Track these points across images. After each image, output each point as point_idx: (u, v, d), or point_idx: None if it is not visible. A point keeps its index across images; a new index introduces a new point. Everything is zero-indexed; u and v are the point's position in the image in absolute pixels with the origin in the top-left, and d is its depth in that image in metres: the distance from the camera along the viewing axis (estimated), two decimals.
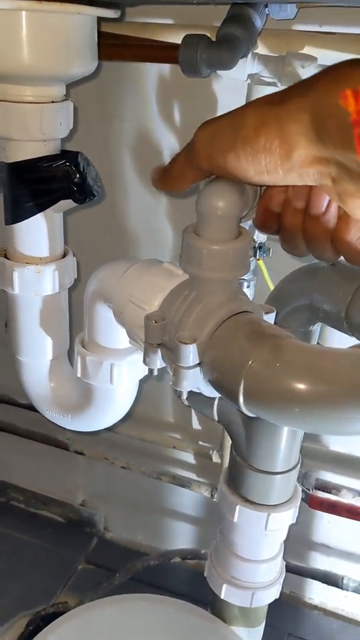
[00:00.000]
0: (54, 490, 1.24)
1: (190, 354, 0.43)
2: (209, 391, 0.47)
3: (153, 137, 0.86)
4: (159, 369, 0.49)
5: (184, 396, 0.46)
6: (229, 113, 0.39)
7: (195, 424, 1.04)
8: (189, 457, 1.06)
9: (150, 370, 0.48)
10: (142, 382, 0.62)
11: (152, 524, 1.18)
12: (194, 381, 0.45)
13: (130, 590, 0.88)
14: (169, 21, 0.77)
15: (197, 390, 0.47)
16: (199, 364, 0.44)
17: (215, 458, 1.00)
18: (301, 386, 0.40)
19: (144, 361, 0.48)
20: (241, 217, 0.43)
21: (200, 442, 1.04)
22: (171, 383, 0.46)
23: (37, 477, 1.24)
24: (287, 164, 0.36)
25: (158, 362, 0.47)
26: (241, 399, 0.42)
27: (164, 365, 0.48)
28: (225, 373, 0.43)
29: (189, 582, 1.10)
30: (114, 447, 1.09)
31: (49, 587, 1.11)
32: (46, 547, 1.18)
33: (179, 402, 1.04)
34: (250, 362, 0.41)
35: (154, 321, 0.46)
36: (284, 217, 0.41)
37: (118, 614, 0.79)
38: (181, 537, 1.15)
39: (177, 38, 0.73)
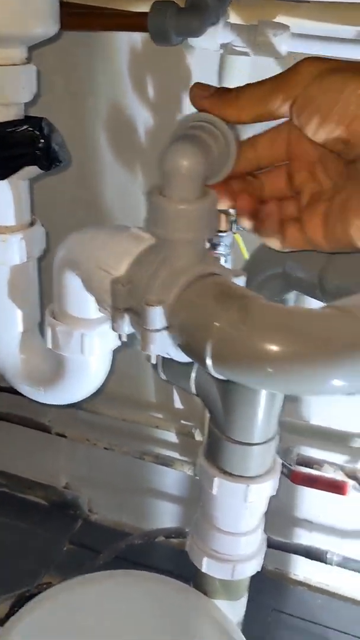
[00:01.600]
0: (37, 474, 1.23)
1: (157, 316, 0.43)
2: (179, 356, 0.46)
3: (126, 112, 0.85)
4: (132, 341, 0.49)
5: (153, 360, 0.46)
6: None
7: (177, 403, 1.04)
8: (172, 437, 1.06)
9: (119, 336, 0.48)
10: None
11: (137, 504, 1.18)
12: (162, 345, 0.44)
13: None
14: None
15: (167, 356, 0.46)
16: (166, 328, 0.44)
17: (198, 436, 1.00)
18: (269, 345, 0.40)
19: (112, 327, 0.47)
20: (206, 177, 0.42)
21: (183, 421, 1.04)
22: (139, 347, 0.45)
23: (19, 461, 1.23)
24: None
25: (126, 328, 0.47)
26: (209, 361, 0.42)
27: (133, 331, 0.47)
28: (193, 335, 0.42)
29: (174, 560, 1.10)
30: (95, 428, 1.09)
31: (34, 569, 1.10)
32: (30, 530, 1.17)
33: (160, 382, 1.03)
34: (216, 323, 0.41)
35: (120, 285, 0.45)
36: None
37: (96, 591, 0.78)
38: (166, 517, 1.15)
39: (143, 7, 0.72)
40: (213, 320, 0.41)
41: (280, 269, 0.59)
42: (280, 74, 0.39)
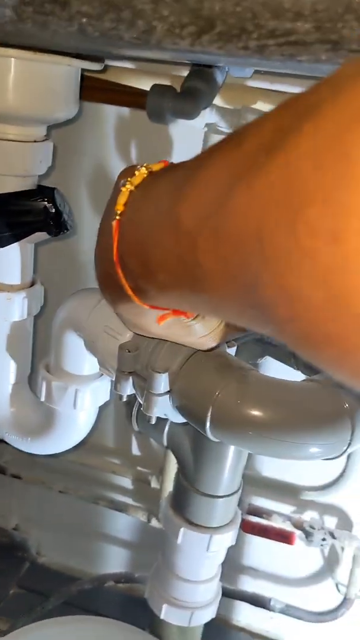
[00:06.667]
0: None
1: (162, 382, 0.47)
2: (175, 417, 0.51)
3: (110, 173, 0.90)
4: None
5: (153, 421, 0.50)
6: None
7: (135, 450, 1.07)
8: (127, 482, 1.09)
9: (120, 397, 0.52)
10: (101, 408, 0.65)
11: (86, 548, 1.19)
12: (163, 407, 0.49)
13: (63, 615, 0.89)
14: (131, 66, 0.81)
15: (164, 416, 0.51)
16: (169, 392, 0.48)
17: (154, 483, 1.03)
18: (262, 414, 0.45)
19: (115, 388, 0.51)
20: None
21: (139, 468, 1.07)
22: (141, 409, 0.49)
23: None
24: None
25: (129, 390, 0.51)
26: (208, 424, 0.46)
27: (134, 392, 0.51)
28: (194, 401, 0.47)
29: (122, 605, 1.11)
30: (52, 471, 1.10)
31: None
32: None
33: (119, 428, 1.06)
34: (217, 392, 0.46)
35: (127, 350, 0.49)
36: None
37: (55, 636, 0.80)
38: (114, 561, 1.17)
39: (137, 82, 0.78)
40: (215, 388, 0.46)
41: (258, 336, 0.65)
42: None
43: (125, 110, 0.85)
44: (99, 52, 0.53)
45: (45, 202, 0.55)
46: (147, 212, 0.31)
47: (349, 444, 0.46)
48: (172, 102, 0.69)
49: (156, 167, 0.33)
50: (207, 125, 0.79)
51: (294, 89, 0.81)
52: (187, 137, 0.85)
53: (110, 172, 0.90)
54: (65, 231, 0.58)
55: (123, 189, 0.33)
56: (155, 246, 0.29)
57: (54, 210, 0.56)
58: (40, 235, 0.58)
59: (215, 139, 0.81)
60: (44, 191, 0.56)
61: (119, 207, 0.33)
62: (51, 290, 0.67)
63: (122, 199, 0.33)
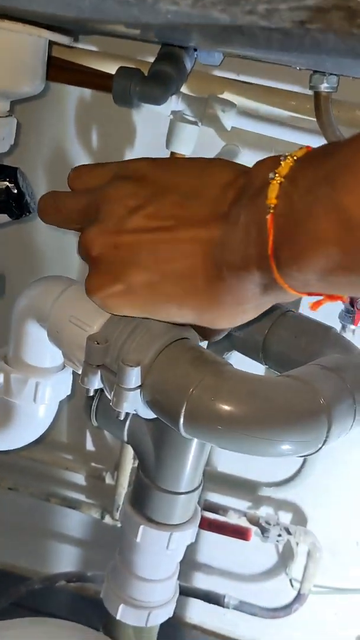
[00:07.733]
0: None
1: (134, 376, 0.45)
2: (145, 412, 0.48)
3: (70, 157, 0.87)
4: None
5: (122, 417, 0.48)
6: None
7: (89, 445, 1.04)
8: (80, 479, 1.06)
9: (87, 390, 0.49)
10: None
11: (37, 547, 1.15)
12: (134, 403, 0.46)
13: (13, 617, 0.85)
14: (95, 48, 0.78)
15: (134, 412, 0.48)
16: (140, 386, 0.46)
17: (109, 479, 1.01)
18: (238, 410, 0.43)
19: (82, 381, 0.48)
20: None
21: (93, 464, 1.04)
22: (111, 404, 0.47)
23: None
24: None
25: (97, 383, 0.48)
26: (181, 421, 0.44)
27: (101, 386, 0.49)
28: (168, 396, 0.45)
29: (74, 605, 1.09)
30: (1, 467, 1.06)
31: None
32: None
33: (73, 422, 1.03)
34: (192, 388, 0.44)
35: (96, 342, 0.47)
36: None
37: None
38: (66, 560, 1.14)
39: (100, 66, 0.75)
40: (190, 384, 0.44)
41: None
42: None
43: (90, 92, 0.82)
44: (74, 23, 0.50)
45: (7, 183, 0.52)
46: (302, 202, 0.31)
47: (325, 441, 0.45)
48: (140, 85, 0.67)
49: (299, 153, 0.33)
50: (172, 112, 0.77)
51: (260, 80, 0.80)
52: (151, 124, 0.83)
53: (70, 155, 0.86)
54: (28, 214, 0.55)
55: (273, 182, 0.32)
56: (317, 238, 0.30)
57: (16, 191, 0.52)
58: (1, 218, 0.54)
59: (181, 126, 0.78)
60: (5, 171, 0.53)
61: (272, 201, 0.32)
62: (6, 276, 0.63)
63: (273, 192, 0.32)
